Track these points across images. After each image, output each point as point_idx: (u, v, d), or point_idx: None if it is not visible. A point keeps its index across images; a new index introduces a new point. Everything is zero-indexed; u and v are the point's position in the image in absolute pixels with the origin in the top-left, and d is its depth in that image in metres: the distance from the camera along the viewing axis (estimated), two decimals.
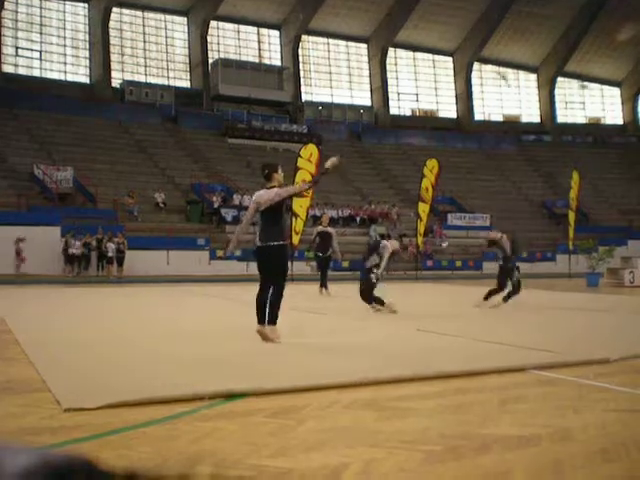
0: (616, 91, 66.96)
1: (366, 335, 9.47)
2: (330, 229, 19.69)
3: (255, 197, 8.56)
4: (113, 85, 50.62)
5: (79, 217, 32.43)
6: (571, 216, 35.60)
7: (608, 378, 6.15)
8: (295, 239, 27.95)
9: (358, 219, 41.04)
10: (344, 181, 47.09)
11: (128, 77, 51.94)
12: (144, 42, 53.48)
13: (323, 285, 18.85)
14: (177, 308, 14.68)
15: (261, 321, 8.32)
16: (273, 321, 8.27)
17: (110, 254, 30.10)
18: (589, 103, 66.93)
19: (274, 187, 8.41)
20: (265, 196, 8.35)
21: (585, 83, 65.71)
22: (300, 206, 27.67)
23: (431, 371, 6.31)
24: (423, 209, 31.79)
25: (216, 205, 37.63)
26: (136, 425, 4.50)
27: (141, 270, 30.18)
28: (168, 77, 53.78)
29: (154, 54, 53.93)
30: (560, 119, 64.36)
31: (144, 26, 53.52)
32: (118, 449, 4.01)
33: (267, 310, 8.25)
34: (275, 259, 8.32)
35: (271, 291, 8.30)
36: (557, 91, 64.49)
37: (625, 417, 4.76)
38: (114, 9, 50.60)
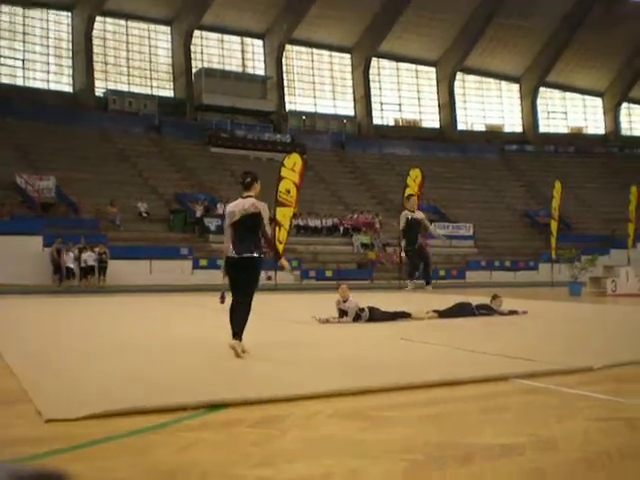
0: (598, 101, 67.45)
1: (350, 344, 9.47)
2: (420, 214, 16.10)
3: (229, 208, 8.25)
4: (96, 94, 50.44)
5: (61, 227, 32.21)
6: (553, 225, 35.77)
7: (591, 387, 6.17)
8: (279, 249, 27.93)
9: (342, 229, 41.06)
10: (328, 191, 47.15)
11: (111, 86, 51.79)
12: (127, 51, 53.36)
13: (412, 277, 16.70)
14: (160, 318, 14.62)
15: (235, 335, 7.95)
16: (240, 334, 7.89)
17: (91, 263, 29.93)
18: (571, 113, 67.39)
19: (251, 197, 8.15)
20: (240, 205, 8.07)
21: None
22: (283, 215, 27.66)
23: (415, 380, 6.31)
24: None
25: (199, 214, 37.52)
26: (118, 436, 4.48)
27: (124, 280, 30.02)
28: (151, 86, 53.66)
29: (137, 63, 53.82)
30: (542, 129, 64.74)
31: (127, 35, 53.41)
32: (100, 460, 3.98)
33: (236, 323, 7.91)
34: (252, 272, 8.10)
35: (241, 305, 8.02)
36: (539, 101, 64.89)
37: (608, 426, 4.77)
38: (97, 18, 50.45)
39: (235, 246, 8.01)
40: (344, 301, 12.60)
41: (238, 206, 8.08)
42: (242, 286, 8.06)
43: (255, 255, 8.01)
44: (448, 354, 8.45)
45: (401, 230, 15.16)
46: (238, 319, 7.91)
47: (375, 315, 12.74)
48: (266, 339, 9.83)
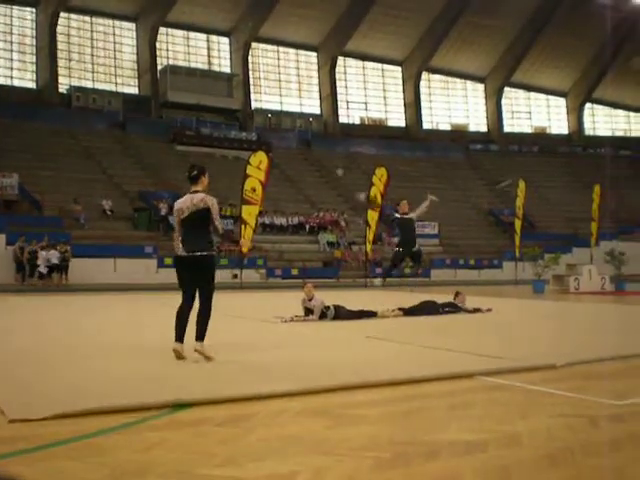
0: (562, 101, 68.15)
1: (316, 343, 9.48)
2: (412, 214, 16.00)
3: (176, 205, 7.89)
4: (60, 90, 49.87)
5: (25, 225, 31.78)
6: (517, 224, 36.12)
7: (554, 384, 6.24)
8: (245, 247, 27.84)
9: (307, 227, 41.04)
10: (293, 189, 47.11)
11: (75, 83, 51.20)
12: (92, 47, 52.80)
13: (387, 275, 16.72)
14: (124, 317, 14.52)
15: (180, 339, 7.56)
16: (202, 337, 7.54)
17: (54, 262, 29.59)
18: (535, 113, 68.02)
19: (198, 192, 7.78)
20: (189, 201, 7.71)
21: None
22: (249, 214, 27.59)
23: (380, 378, 6.33)
24: (372, 217, 31.96)
25: (163, 212, 37.23)
26: (83, 435, 4.44)
27: (88, 278, 29.73)
28: (116, 83, 53.21)
29: (102, 60, 53.28)
30: (507, 128, 65.24)
31: (92, 31, 52.86)
32: (65, 460, 3.94)
33: (198, 326, 7.54)
34: (206, 270, 7.70)
35: (201, 306, 7.69)
36: (504, 101, 65.40)
37: (572, 422, 4.82)
38: (62, 14, 49.87)
39: (185, 244, 7.70)
40: (309, 299, 12.60)
41: (186, 202, 7.73)
42: (199, 287, 7.70)
43: (206, 253, 7.65)
44: (413, 352, 8.49)
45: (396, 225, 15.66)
46: (202, 321, 7.60)
47: (341, 313, 12.76)
48: (231, 338, 9.80)
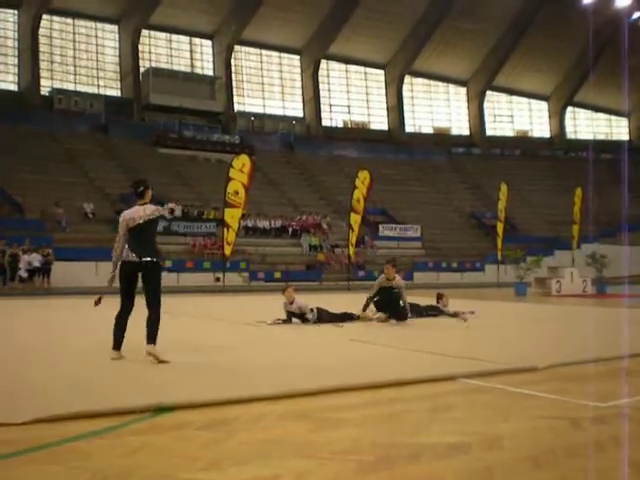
0: (544, 105, 68.55)
1: (297, 346, 9.47)
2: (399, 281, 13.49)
3: (126, 215, 8.20)
4: (42, 93, 49.62)
5: (6, 228, 31.53)
6: (499, 227, 36.25)
7: (536, 386, 6.26)
8: (227, 250, 27.79)
9: (290, 230, 41.01)
10: (276, 192, 47.06)
11: (57, 85, 51.01)
12: (74, 50, 52.60)
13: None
14: (106, 320, 14.43)
15: (117, 346, 8.03)
16: (155, 340, 7.78)
17: (36, 265, 29.39)
18: (517, 116, 68.35)
19: (146, 204, 8.23)
20: (141, 212, 8.10)
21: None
22: (232, 217, 27.54)
23: (362, 381, 6.33)
24: (355, 220, 31.97)
25: None
26: (65, 440, 4.41)
27: (70, 282, 29.53)
28: (98, 85, 53.00)
29: (84, 62, 53.08)
30: (489, 132, 65.53)
31: (74, 34, 52.66)
32: (46, 464, 3.92)
33: (149, 329, 7.83)
34: (155, 275, 8.07)
35: (150, 309, 7.98)
36: (486, 104, 65.68)
37: (554, 424, 4.84)
38: (44, 16, 49.63)
39: (136, 250, 8.01)
40: (290, 303, 12.60)
41: (139, 212, 8.10)
42: (148, 292, 8.04)
43: (156, 259, 8.09)
44: (396, 355, 8.50)
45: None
46: (153, 324, 7.84)
47: (323, 316, 12.76)
48: (213, 341, 9.79)
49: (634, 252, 40.71)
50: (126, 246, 8.12)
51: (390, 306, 13.01)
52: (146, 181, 8.55)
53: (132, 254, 8.00)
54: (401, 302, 12.90)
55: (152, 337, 7.72)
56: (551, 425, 4.82)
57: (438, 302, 14.74)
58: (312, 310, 12.73)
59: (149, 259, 7.96)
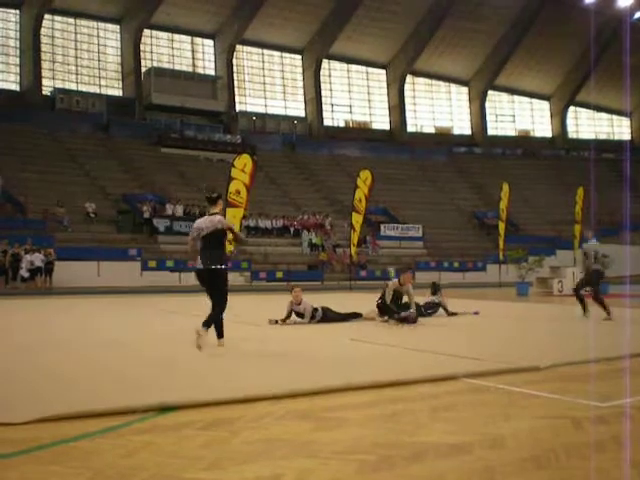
0: (545, 104, 68.55)
1: (300, 345, 9.47)
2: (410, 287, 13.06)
3: (197, 224, 8.94)
4: (44, 93, 49.69)
5: (8, 228, 31.59)
6: (501, 227, 36.20)
7: (538, 385, 6.26)
8: (228, 249, 27.77)
9: (292, 230, 41.02)
10: (278, 192, 47.06)
11: (59, 85, 51.05)
12: (76, 49, 52.65)
13: None
14: (108, 320, 14.44)
15: (219, 336, 8.94)
16: (208, 326, 8.52)
17: (38, 264, 29.40)
18: (519, 116, 68.33)
19: (217, 214, 8.94)
20: (208, 223, 8.78)
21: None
22: (233, 216, 27.51)
23: (364, 381, 6.33)
24: (356, 220, 31.92)
25: (147, 215, 37.08)
26: (66, 439, 4.42)
27: (72, 281, 29.57)
28: (100, 85, 53.03)
29: (86, 62, 53.11)
30: (490, 131, 65.52)
31: (76, 33, 52.71)
32: (48, 465, 3.92)
33: (207, 317, 8.55)
34: (220, 280, 8.74)
35: (214, 305, 8.73)
36: (488, 104, 65.68)
37: (555, 424, 4.84)
38: (46, 16, 49.67)
39: (202, 258, 8.76)
40: (298, 304, 12.61)
41: (206, 222, 8.83)
42: (212, 294, 8.82)
43: (219, 267, 8.73)
44: (398, 354, 8.50)
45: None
46: (209, 315, 8.62)
47: (328, 315, 12.79)
48: (215, 341, 9.78)
49: (636, 251, 40.67)
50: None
51: (400, 309, 13.01)
52: (220, 193, 9.64)
53: (200, 262, 8.78)
54: (412, 308, 12.88)
55: (207, 323, 8.49)
56: (553, 425, 4.82)
57: (434, 294, 14.77)
58: (317, 310, 12.76)
59: (213, 267, 8.68)
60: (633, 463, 3.93)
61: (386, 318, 12.90)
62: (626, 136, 68.99)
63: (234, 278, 32.25)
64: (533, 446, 4.27)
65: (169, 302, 19.99)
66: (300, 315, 12.65)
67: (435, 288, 14.94)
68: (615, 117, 70.13)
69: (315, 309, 12.77)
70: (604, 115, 69.96)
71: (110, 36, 53.81)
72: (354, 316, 13.27)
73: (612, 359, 7.96)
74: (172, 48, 56.17)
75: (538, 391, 6.00)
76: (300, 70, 60.35)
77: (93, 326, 12.73)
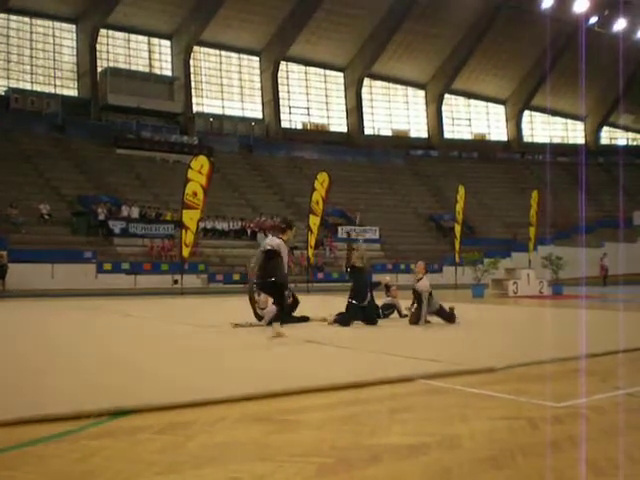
0: (501, 109, 69.29)
1: (256, 348, 9.43)
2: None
3: (268, 240, 11.00)
4: None
5: None
6: (457, 229, 36.50)
7: (494, 386, 6.30)
8: (185, 252, 27.59)
9: (249, 231, 40.88)
10: (235, 193, 46.91)
11: (14, 84, 50.32)
12: (31, 49, 51.94)
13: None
14: (65, 323, 14.26)
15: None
16: (270, 323, 11.19)
17: None
18: (475, 120, 68.98)
19: (282, 239, 10.82)
20: (272, 241, 10.81)
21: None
22: (190, 218, 27.36)
23: (321, 383, 6.31)
24: (314, 222, 31.98)
25: (102, 217, 36.66)
26: (19, 444, 4.34)
27: (25, 284, 29.14)
28: (55, 85, 52.37)
29: (41, 61, 52.43)
30: (447, 135, 66.01)
31: (32, 33, 52.00)
32: (1, 470, 3.85)
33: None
34: (273, 289, 10.80)
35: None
36: (444, 107, 66.15)
37: (512, 424, 4.87)
38: (1, 15, 48.99)
39: (259, 271, 11.09)
40: (262, 308, 12.62)
41: (265, 241, 11.13)
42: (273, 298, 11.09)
43: (269, 280, 10.74)
44: (354, 356, 8.50)
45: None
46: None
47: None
48: (172, 344, 9.71)
49: (589, 254, 41.34)
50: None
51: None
52: (292, 224, 11.43)
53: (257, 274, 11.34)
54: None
55: (268, 321, 11.38)
56: (509, 425, 4.85)
57: (387, 294, 14.81)
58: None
59: (265, 280, 10.89)
60: (588, 462, 3.96)
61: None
62: (580, 140, 69.99)
63: (191, 280, 32.08)
64: (490, 446, 4.29)
65: (124, 305, 19.80)
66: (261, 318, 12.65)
67: (387, 288, 14.98)
68: (570, 121, 71.12)
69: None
70: (559, 119, 70.93)
71: (66, 36, 53.16)
72: (303, 319, 13.20)
73: (566, 360, 8.05)
74: (129, 48, 55.67)
75: (494, 392, 6.04)
76: (258, 72, 60.23)
77: (47, 330, 12.55)
